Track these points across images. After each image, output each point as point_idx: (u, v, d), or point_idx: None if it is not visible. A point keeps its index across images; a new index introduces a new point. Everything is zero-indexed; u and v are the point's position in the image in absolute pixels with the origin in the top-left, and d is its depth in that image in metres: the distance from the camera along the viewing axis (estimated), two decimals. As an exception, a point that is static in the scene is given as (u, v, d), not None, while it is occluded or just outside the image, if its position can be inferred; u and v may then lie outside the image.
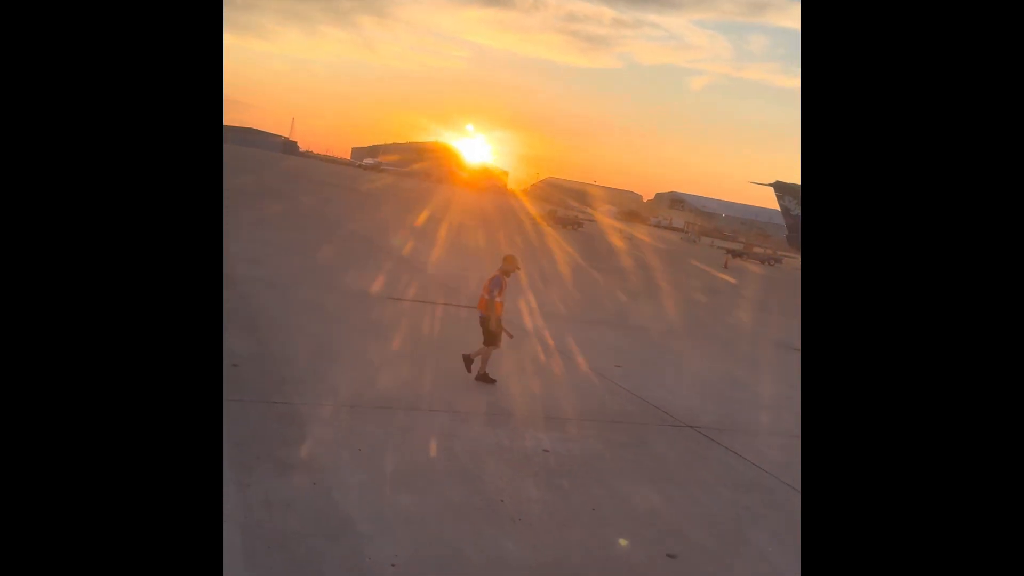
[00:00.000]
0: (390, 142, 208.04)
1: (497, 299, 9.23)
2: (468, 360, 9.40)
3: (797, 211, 57.28)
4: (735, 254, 59.42)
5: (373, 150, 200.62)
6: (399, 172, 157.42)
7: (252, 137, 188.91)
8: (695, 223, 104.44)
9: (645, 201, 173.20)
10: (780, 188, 59.59)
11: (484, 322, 9.38)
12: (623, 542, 5.66)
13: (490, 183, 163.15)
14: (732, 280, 35.88)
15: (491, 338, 9.32)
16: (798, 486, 7.40)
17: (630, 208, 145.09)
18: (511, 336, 9.69)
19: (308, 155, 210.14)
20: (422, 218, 40.75)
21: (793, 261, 61.72)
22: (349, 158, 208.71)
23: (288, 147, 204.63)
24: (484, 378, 9.35)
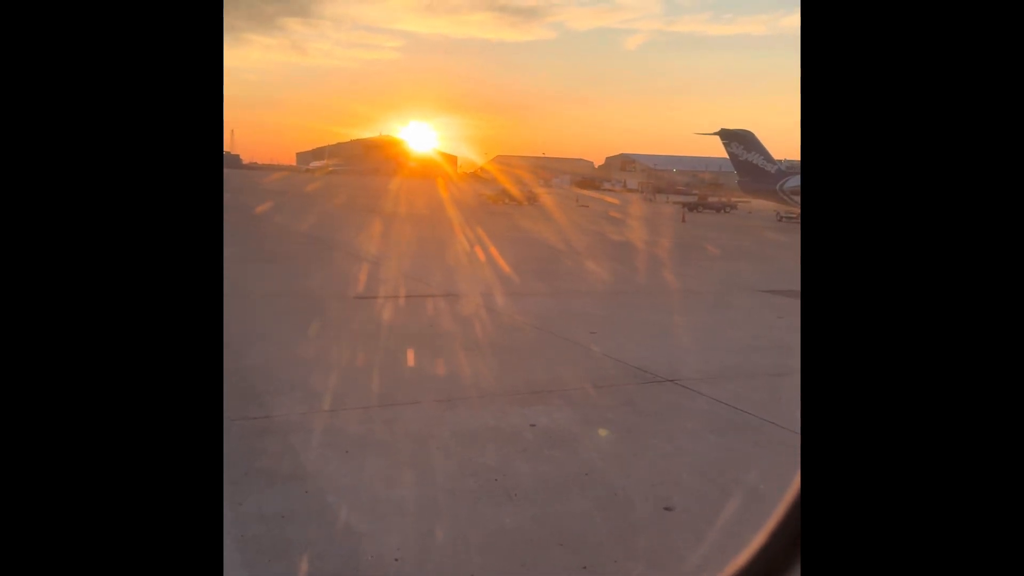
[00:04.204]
0: (334, 142, 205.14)
1: None
2: None
3: (745, 156, 57.76)
4: (691, 207, 59.92)
5: (318, 152, 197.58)
6: (347, 171, 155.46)
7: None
8: (648, 182, 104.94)
9: (597, 167, 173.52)
10: (725, 135, 59.94)
11: None
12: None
13: (439, 170, 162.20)
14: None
15: None
16: (780, 422, 7.57)
17: (583, 175, 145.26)
18: None
19: (254, 166, 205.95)
20: (373, 216, 40.42)
21: (747, 205, 62.54)
22: (295, 164, 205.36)
23: (231, 161, 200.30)
24: None
